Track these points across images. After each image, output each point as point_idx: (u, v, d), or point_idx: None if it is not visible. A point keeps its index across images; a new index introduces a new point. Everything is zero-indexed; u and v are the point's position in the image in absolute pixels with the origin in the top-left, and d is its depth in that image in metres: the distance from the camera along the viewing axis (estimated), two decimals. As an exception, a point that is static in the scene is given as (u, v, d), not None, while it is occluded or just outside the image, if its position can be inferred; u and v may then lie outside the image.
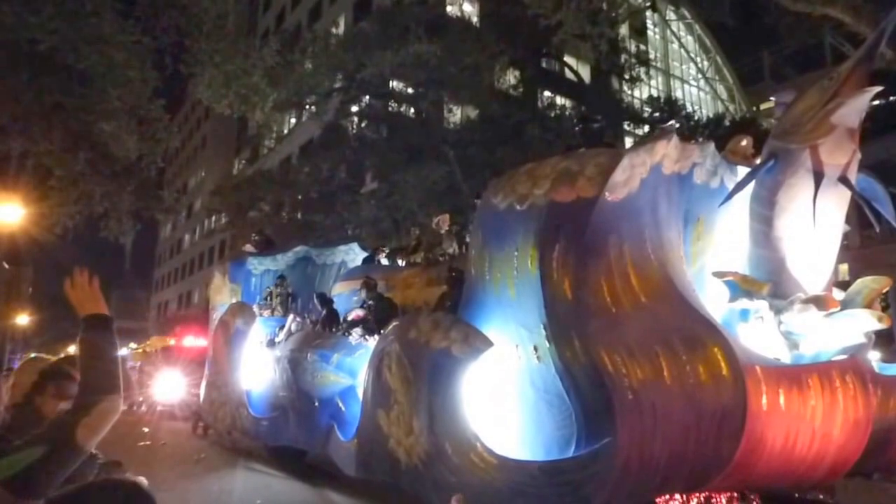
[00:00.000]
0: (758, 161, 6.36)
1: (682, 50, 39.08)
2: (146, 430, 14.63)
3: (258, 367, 10.36)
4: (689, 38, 39.19)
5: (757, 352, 5.25)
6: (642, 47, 31.43)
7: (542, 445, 5.53)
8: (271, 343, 10.24)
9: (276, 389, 9.56)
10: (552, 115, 25.59)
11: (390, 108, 24.71)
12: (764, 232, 5.83)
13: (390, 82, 23.70)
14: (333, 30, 29.48)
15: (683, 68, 38.95)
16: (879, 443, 5.16)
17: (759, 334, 5.64)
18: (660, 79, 36.81)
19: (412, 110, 24.51)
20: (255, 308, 11.10)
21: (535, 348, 5.68)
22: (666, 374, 4.91)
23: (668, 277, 5.45)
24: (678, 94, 34.76)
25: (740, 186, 5.88)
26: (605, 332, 5.20)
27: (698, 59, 39.28)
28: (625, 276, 5.39)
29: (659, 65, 36.81)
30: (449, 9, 27.42)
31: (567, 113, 26.13)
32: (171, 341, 24.27)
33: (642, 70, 28.71)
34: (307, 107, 25.70)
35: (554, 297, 5.47)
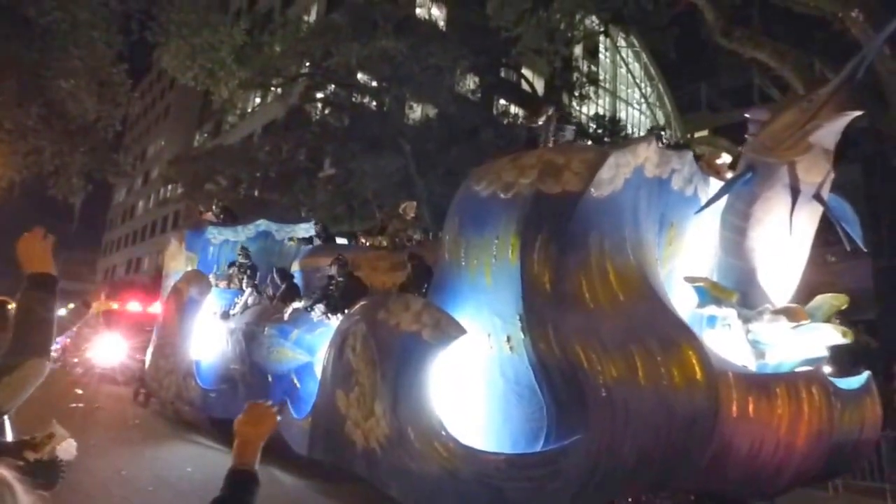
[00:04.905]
0: (729, 175, 6.17)
1: (629, 75, 39.59)
2: (80, 391, 13.38)
3: (210, 338, 9.57)
4: (637, 64, 39.71)
5: (728, 358, 5.00)
6: (593, 68, 31.64)
7: (509, 437, 5.12)
8: (225, 315, 9.48)
9: (227, 361, 8.85)
10: (505, 122, 25.50)
11: (354, 99, 24.00)
12: (736, 242, 5.60)
13: (356, 74, 23.00)
14: (305, 17, 28.41)
15: (629, 92, 39.48)
16: (833, 455, 4.98)
17: (724, 341, 5.40)
18: (607, 99, 37.21)
19: (374, 103, 23.88)
20: (212, 278, 10.28)
21: (509, 338, 5.26)
22: (640, 374, 4.57)
23: (645, 277, 5.14)
24: (622, 115, 35.13)
25: (718, 196, 5.64)
26: (581, 327, 4.83)
27: (643, 85, 39.87)
28: (604, 273, 5.04)
29: (607, 86, 37.21)
30: (418, 10, 26.95)
31: (519, 121, 26.03)
32: (115, 305, 22.69)
33: (591, 89, 28.90)
34: (273, 88, 24.69)
35: (533, 288, 5.06)
